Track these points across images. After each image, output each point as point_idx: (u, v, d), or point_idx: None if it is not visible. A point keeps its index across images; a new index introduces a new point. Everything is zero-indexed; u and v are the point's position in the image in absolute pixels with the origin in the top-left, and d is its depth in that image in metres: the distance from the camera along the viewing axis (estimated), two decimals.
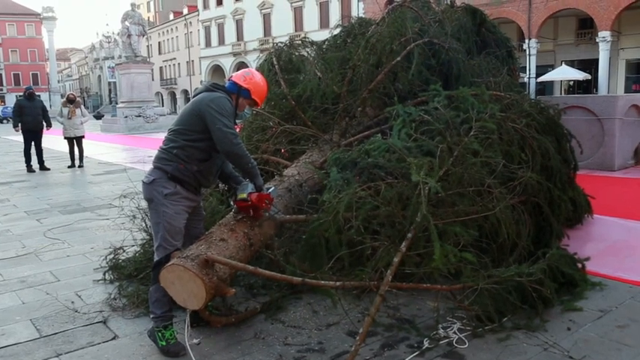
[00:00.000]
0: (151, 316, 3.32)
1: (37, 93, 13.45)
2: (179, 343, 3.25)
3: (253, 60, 47.94)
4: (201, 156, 3.26)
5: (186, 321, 3.27)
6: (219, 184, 4.83)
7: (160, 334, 3.25)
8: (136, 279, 4.20)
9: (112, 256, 4.56)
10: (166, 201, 3.21)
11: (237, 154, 3.20)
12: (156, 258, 3.29)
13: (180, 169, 3.22)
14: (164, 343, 3.23)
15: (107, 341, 3.41)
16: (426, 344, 3.19)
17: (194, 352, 3.15)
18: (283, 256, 3.88)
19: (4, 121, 47.14)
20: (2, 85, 79.45)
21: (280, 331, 3.46)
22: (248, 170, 3.30)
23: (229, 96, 3.34)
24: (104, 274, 4.45)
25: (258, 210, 3.44)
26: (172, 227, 3.24)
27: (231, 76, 3.46)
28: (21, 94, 13.42)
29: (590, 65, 31.34)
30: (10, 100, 62.54)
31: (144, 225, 4.67)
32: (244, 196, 3.37)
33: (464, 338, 3.23)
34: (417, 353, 3.10)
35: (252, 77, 3.45)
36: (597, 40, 28.87)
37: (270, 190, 3.46)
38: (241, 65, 53.81)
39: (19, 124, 12.29)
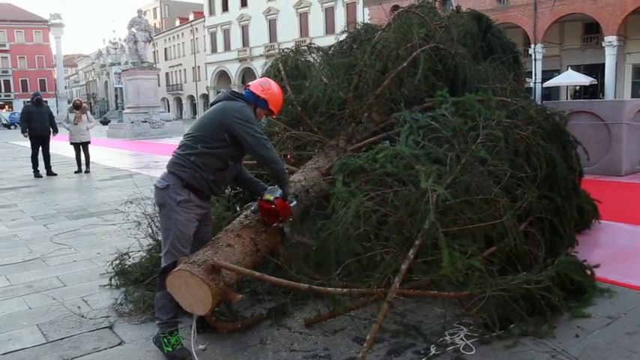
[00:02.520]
0: (157, 322, 3.31)
1: (44, 99, 13.56)
2: (185, 349, 3.24)
3: (259, 66, 48.21)
4: (219, 165, 3.26)
5: (192, 327, 3.27)
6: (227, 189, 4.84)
7: (165, 340, 3.24)
8: (142, 284, 4.21)
9: (118, 261, 4.57)
10: (179, 208, 3.20)
11: (272, 159, 3.28)
12: (163, 264, 3.29)
13: (195, 177, 3.21)
14: (170, 349, 3.23)
15: (113, 347, 3.41)
16: (432, 351, 3.17)
17: (200, 358, 3.14)
18: (289, 262, 3.87)
19: (12, 127, 47.46)
20: (10, 91, 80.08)
21: (286, 337, 3.45)
22: (280, 177, 3.37)
23: (248, 105, 3.37)
24: (110, 280, 4.46)
25: (276, 217, 3.44)
26: (183, 235, 3.24)
27: (248, 85, 3.49)
28: (29, 100, 13.52)
29: (596, 70, 31.28)
30: (18, 106, 62.98)
31: (150, 231, 4.68)
32: (271, 198, 3.39)
33: (471, 345, 3.21)
34: None
35: (270, 87, 3.48)
36: (603, 45, 28.84)
37: (292, 204, 3.46)
38: (247, 71, 54.10)
39: (27, 130, 12.38)
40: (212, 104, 3.42)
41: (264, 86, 3.46)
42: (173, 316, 3.29)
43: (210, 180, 3.25)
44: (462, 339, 3.28)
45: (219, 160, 3.26)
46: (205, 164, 3.22)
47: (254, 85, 3.47)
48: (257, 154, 3.25)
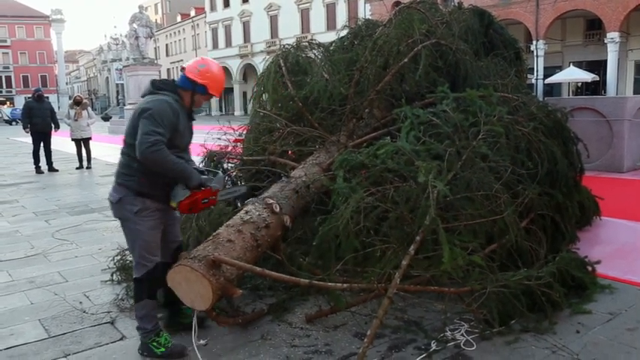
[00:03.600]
0: (141, 332, 3.24)
1: (45, 95, 13.53)
2: (178, 344, 3.24)
3: (260, 62, 48.07)
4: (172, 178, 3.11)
5: (193, 322, 3.28)
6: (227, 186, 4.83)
7: (155, 343, 3.19)
8: None
9: (119, 257, 4.57)
10: (138, 218, 3.10)
11: (153, 160, 2.94)
12: (135, 275, 3.22)
13: (143, 183, 3.08)
14: (164, 350, 3.18)
15: (115, 342, 3.42)
16: (433, 346, 3.18)
17: (201, 354, 3.15)
18: (289, 258, 3.88)
19: (14, 123, 47.48)
20: (11, 87, 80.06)
21: (287, 333, 3.46)
22: (174, 176, 3.06)
23: (178, 94, 3.15)
24: (112, 275, 4.47)
25: (198, 207, 3.26)
26: (148, 244, 3.15)
27: (184, 68, 3.20)
28: (30, 96, 13.51)
29: (598, 66, 31.18)
30: (19, 101, 63.03)
31: None
32: (174, 205, 3.18)
33: (471, 340, 3.21)
34: (424, 355, 3.09)
35: (209, 69, 3.19)
36: (606, 41, 28.74)
37: (212, 184, 3.24)
38: (248, 67, 54.04)
39: (29, 126, 12.38)
40: (142, 96, 3.25)
41: (202, 69, 3.16)
42: (156, 322, 3.26)
43: (159, 182, 3.09)
44: (462, 335, 3.29)
45: None
46: (148, 168, 3.02)
47: (190, 69, 3.17)
48: (137, 153, 2.96)
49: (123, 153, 3.18)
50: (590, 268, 4.06)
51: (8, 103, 74.95)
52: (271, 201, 3.78)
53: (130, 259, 4.57)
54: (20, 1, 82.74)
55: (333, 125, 5.05)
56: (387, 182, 3.44)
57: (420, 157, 3.45)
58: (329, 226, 3.30)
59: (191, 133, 3.33)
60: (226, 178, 3.51)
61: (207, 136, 5.47)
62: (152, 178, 3.07)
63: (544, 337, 3.25)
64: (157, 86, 3.19)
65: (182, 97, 3.17)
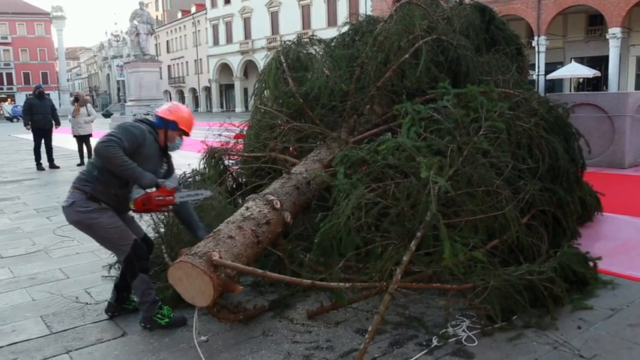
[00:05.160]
0: (145, 307, 3.47)
1: (46, 92, 13.52)
2: (178, 314, 3.52)
3: (261, 58, 48.06)
4: (120, 182, 3.38)
5: (194, 318, 3.28)
6: (228, 182, 4.84)
7: (159, 315, 3.45)
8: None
9: None
10: (95, 214, 3.35)
11: (105, 156, 3.22)
12: (121, 258, 3.46)
13: (98, 190, 3.36)
14: (168, 320, 3.45)
15: (116, 338, 3.43)
16: (434, 342, 3.18)
17: (202, 350, 3.15)
18: (290, 255, 3.88)
19: (15, 120, 47.51)
20: (12, 84, 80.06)
21: (289, 329, 3.46)
22: (124, 174, 3.29)
23: (155, 130, 3.53)
24: (109, 270, 4.45)
25: (154, 208, 3.47)
26: (117, 229, 3.41)
27: (157, 112, 3.65)
28: (31, 92, 13.50)
29: (600, 62, 31.10)
30: (20, 98, 62.97)
31: (152, 222, 4.68)
32: (131, 205, 3.45)
33: (473, 336, 3.21)
34: (425, 351, 3.09)
35: (177, 110, 3.64)
36: (607, 37, 28.66)
37: (165, 183, 3.46)
38: (249, 63, 53.99)
39: (29, 123, 12.38)
40: None
41: (172, 109, 3.62)
42: (155, 295, 3.52)
43: (113, 194, 3.39)
44: (464, 331, 3.29)
45: (120, 179, 3.35)
46: (108, 179, 3.34)
47: (162, 111, 3.62)
48: (95, 148, 3.28)
49: (89, 162, 3.51)
50: (591, 264, 4.06)
51: (9, 100, 75.01)
52: (272, 197, 3.78)
53: None
54: None
55: (334, 121, 5.05)
56: (387, 178, 3.44)
57: (421, 152, 3.45)
58: (330, 223, 3.30)
59: (162, 168, 3.65)
60: (182, 177, 3.64)
61: (207, 133, 5.47)
62: (107, 188, 3.37)
63: (545, 332, 3.25)
64: (140, 120, 3.62)
65: (158, 134, 3.56)
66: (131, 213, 3.64)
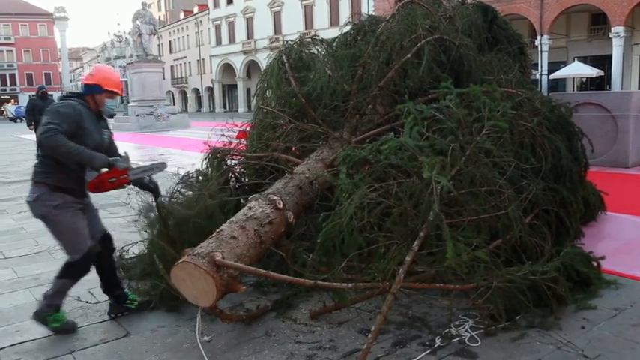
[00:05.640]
0: (46, 302, 3.48)
1: (49, 92, 13.58)
2: (70, 320, 3.55)
3: (264, 58, 48.06)
4: (79, 166, 3.38)
5: (197, 318, 3.29)
6: (230, 183, 4.84)
7: (51, 317, 3.46)
8: (147, 276, 4.21)
9: (117, 253, 4.54)
10: (57, 211, 3.34)
11: (49, 146, 3.18)
12: (70, 260, 3.48)
13: (62, 179, 3.34)
14: (58, 325, 3.46)
15: (120, 338, 3.43)
16: (437, 342, 3.18)
17: (205, 350, 3.16)
18: (293, 255, 3.88)
19: (18, 121, 47.61)
20: (16, 85, 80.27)
21: (291, 329, 3.46)
22: (74, 159, 3.27)
23: (83, 99, 3.48)
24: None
25: (106, 187, 3.45)
26: (75, 232, 3.41)
27: (81, 79, 3.60)
28: (34, 93, 13.55)
29: (603, 61, 31.02)
30: (24, 99, 63.07)
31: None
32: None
33: (476, 336, 3.21)
34: (428, 351, 3.09)
35: (97, 71, 3.58)
36: (610, 36, 28.59)
37: (117, 163, 3.41)
38: (251, 63, 54.00)
39: (33, 123, 12.42)
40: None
41: (93, 73, 3.56)
42: (62, 301, 3.55)
43: (75, 179, 3.39)
44: (467, 330, 3.29)
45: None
46: (64, 165, 3.32)
47: (84, 78, 3.57)
48: (38, 141, 3.26)
49: (38, 155, 3.44)
50: (595, 264, 4.05)
51: (13, 100, 75.15)
52: (275, 197, 3.78)
53: (128, 256, 4.57)
54: None
55: (337, 121, 5.04)
56: (390, 178, 3.43)
57: (424, 152, 3.44)
58: (332, 223, 3.30)
59: (105, 134, 3.62)
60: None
61: (210, 133, 5.47)
62: (69, 173, 3.35)
63: (549, 332, 3.24)
64: (65, 96, 3.57)
65: (88, 102, 3.51)
66: (96, 207, 3.67)
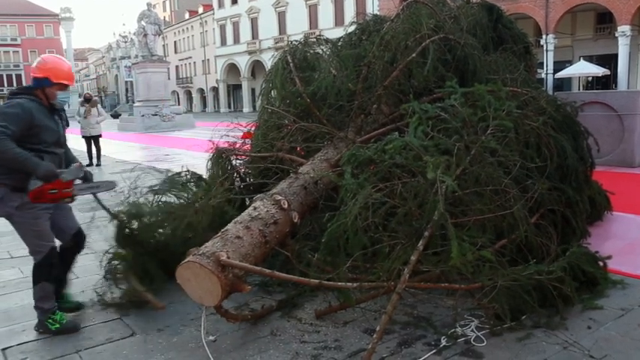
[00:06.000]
0: (38, 312, 3.51)
1: None
2: (71, 320, 3.54)
3: (268, 58, 48.10)
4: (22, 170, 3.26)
5: (202, 318, 3.29)
6: (235, 182, 4.85)
7: (50, 320, 3.47)
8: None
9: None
10: (20, 212, 3.31)
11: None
12: (35, 262, 3.46)
13: (22, 178, 3.24)
14: (59, 326, 3.47)
15: (125, 337, 3.44)
16: (443, 342, 3.17)
17: (211, 349, 3.16)
18: (298, 255, 3.88)
19: None
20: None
21: (297, 329, 3.46)
22: (18, 166, 3.17)
23: (33, 93, 3.37)
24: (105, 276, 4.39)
25: (45, 197, 3.31)
26: (38, 232, 3.39)
27: (31, 72, 3.47)
28: None
29: (609, 60, 30.85)
30: None
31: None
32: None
33: (482, 336, 3.20)
34: (434, 351, 3.08)
35: (45, 63, 3.44)
36: (617, 35, 28.43)
37: (62, 176, 3.31)
38: (256, 64, 54.01)
39: None
40: None
41: (40, 66, 3.43)
42: (53, 302, 3.54)
43: (35, 179, 3.28)
44: (472, 330, 3.28)
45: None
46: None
47: (33, 71, 3.45)
48: None
49: None
50: (601, 264, 4.03)
51: None
52: (280, 197, 3.78)
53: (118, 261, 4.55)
54: (30, 0, 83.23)
55: (341, 121, 5.04)
56: (395, 178, 3.43)
57: (429, 152, 3.44)
58: (337, 223, 3.30)
59: (60, 127, 3.56)
60: (84, 172, 3.52)
61: (213, 133, 5.47)
62: (28, 173, 3.24)
63: (555, 332, 3.23)
64: (13, 92, 3.45)
65: (39, 97, 3.40)
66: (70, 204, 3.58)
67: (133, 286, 3.80)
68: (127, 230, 4.13)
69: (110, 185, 3.78)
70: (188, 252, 3.20)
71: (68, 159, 3.68)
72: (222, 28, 59.29)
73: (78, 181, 3.58)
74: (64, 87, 3.49)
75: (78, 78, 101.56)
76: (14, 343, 3.41)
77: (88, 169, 12.99)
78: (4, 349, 3.35)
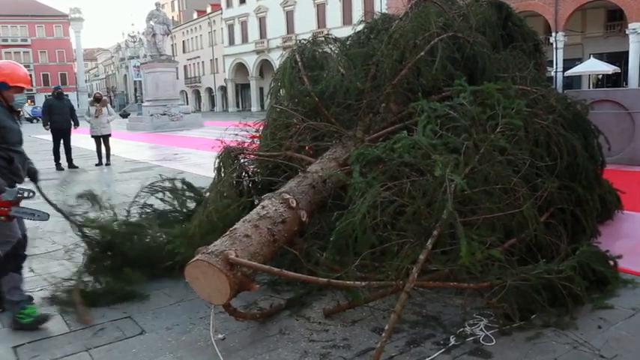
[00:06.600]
0: (9, 305, 3.60)
1: (65, 93, 13.72)
2: (42, 313, 3.59)
3: (277, 57, 48.05)
4: (3, 161, 3.51)
5: (211, 317, 3.30)
6: (244, 181, 4.85)
7: (21, 315, 3.53)
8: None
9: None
10: None
11: None
12: (1, 253, 3.52)
13: None
14: (31, 320, 3.53)
15: (135, 336, 3.46)
16: (452, 341, 3.16)
17: (220, 348, 3.17)
18: (307, 254, 3.88)
19: (34, 121, 48.11)
20: (32, 86, 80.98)
21: (305, 328, 3.46)
22: None
23: None
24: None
25: None
26: (6, 225, 3.49)
27: None
28: (50, 94, 13.69)
29: (619, 58, 30.57)
30: (40, 99, 63.78)
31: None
32: None
33: (491, 336, 3.19)
34: (443, 350, 3.08)
35: (2, 69, 3.64)
36: (627, 32, 28.17)
37: (2, 195, 3.41)
38: (264, 63, 54.06)
39: (49, 123, 12.56)
40: None
41: None
42: (22, 295, 3.65)
43: (6, 174, 3.50)
44: (481, 330, 3.26)
45: (2, 158, 3.48)
46: None
47: None
48: None
49: None
50: (612, 263, 4.00)
51: (29, 101, 75.96)
52: (288, 196, 3.79)
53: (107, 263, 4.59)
54: (40, 1, 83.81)
55: (350, 120, 5.03)
56: (403, 176, 3.42)
57: (437, 150, 3.43)
58: (346, 221, 3.29)
59: (19, 127, 3.76)
60: (26, 193, 3.63)
61: (221, 133, 5.48)
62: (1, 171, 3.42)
63: (565, 332, 3.21)
64: None
65: None
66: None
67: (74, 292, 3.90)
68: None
69: (44, 217, 3.89)
70: (197, 250, 3.21)
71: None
72: (231, 27, 59.41)
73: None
74: (20, 90, 3.70)
75: (87, 78, 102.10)
76: (25, 341, 3.44)
77: (97, 168, 13.01)
78: (15, 347, 3.38)
